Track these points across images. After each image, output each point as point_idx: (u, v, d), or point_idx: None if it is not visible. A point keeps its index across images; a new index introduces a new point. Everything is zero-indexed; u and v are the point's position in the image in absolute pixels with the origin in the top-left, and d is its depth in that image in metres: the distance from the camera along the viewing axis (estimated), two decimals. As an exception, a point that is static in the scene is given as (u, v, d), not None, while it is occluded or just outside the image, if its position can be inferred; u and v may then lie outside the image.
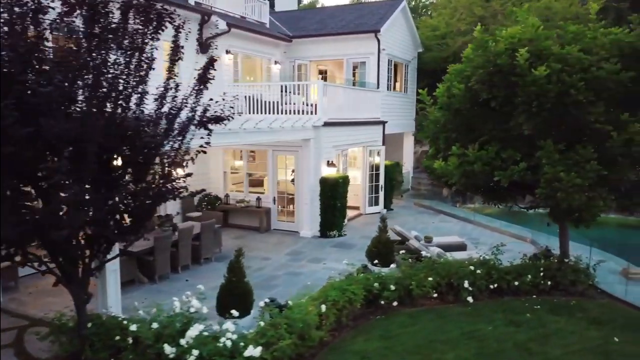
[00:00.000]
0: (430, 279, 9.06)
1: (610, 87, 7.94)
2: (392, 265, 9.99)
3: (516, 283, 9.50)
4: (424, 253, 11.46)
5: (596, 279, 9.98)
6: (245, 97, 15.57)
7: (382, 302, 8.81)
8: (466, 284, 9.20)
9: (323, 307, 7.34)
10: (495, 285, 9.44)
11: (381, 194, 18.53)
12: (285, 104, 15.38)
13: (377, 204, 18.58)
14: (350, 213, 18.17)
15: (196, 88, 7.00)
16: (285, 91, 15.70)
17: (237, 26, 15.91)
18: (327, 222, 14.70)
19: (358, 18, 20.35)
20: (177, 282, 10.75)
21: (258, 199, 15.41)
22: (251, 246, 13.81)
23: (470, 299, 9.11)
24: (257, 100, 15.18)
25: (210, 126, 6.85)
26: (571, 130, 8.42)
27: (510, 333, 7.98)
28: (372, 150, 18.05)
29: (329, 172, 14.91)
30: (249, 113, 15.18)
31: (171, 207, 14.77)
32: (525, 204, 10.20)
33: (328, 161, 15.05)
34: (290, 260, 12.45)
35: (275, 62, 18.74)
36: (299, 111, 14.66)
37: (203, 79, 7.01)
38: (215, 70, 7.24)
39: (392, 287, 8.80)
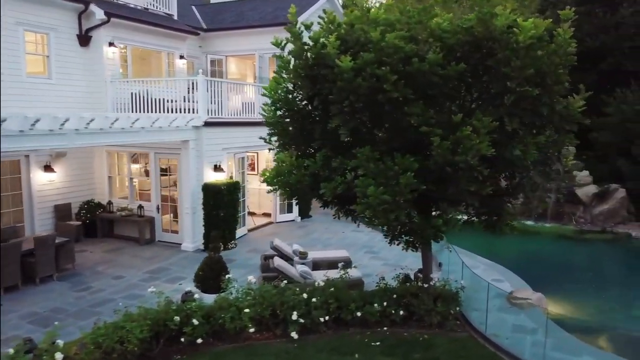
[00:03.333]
0: (247, 310, 7.60)
1: (437, 83, 6.49)
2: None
3: (359, 313, 8.05)
4: (294, 272, 10.09)
5: (458, 308, 8.53)
6: (132, 94, 14.16)
7: (183, 340, 7.34)
8: (294, 316, 7.75)
9: (58, 355, 5.86)
10: (329, 317, 7.98)
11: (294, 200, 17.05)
12: (188, 101, 13.95)
13: (290, 211, 17.15)
14: (261, 221, 16.78)
15: None
16: (195, 88, 14.16)
17: (121, 16, 14.40)
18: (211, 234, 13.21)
19: (277, 10, 18.86)
20: (-13, 307, 9.26)
21: (140, 207, 13.94)
22: (117, 261, 12.36)
23: (294, 334, 7.65)
24: (143, 98, 13.78)
25: None
26: (397, 135, 6.97)
27: (316, 382, 6.55)
28: (284, 153, 16.58)
29: (217, 178, 13.45)
30: (134, 112, 13.79)
31: (40, 216, 13.33)
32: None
33: (215, 165, 13.60)
34: (144, 280, 10.98)
35: (181, 57, 17.24)
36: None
37: None
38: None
39: (196, 322, 7.34)
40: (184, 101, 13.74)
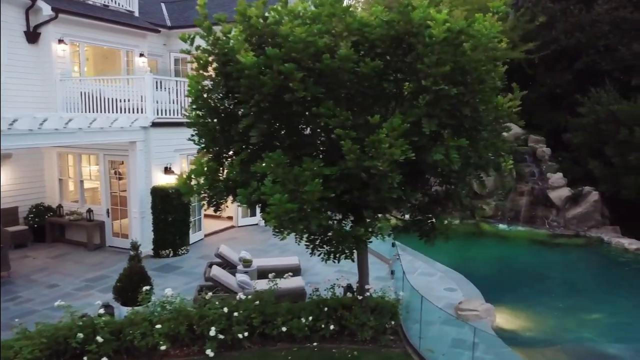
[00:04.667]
0: (158, 326, 7.06)
1: (352, 81, 5.95)
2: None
3: (284, 328, 7.51)
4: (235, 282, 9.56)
5: (394, 322, 7.97)
6: (82, 93, 13.62)
7: (87, 359, 6.79)
8: (212, 332, 7.21)
9: None
10: (253, 332, 7.44)
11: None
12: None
13: (254, 214, 16.58)
14: (225, 224, 16.20)
15: None
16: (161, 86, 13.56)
17: (71, 12, 13.83)
18: (160, 240, 12.69)
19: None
20: None
21: (89, 210, 13.39)
22: (58, 268, 11.81)
23: (210, 351, 7.10)
24: (95, 97, 13.24)
25: None
26: (324, 138, 6.43)
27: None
28: (246, 155, 16.03)
29: (168, 181, 12.91)
30: (86, 112, 13.25)
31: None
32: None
33: (166, 167, 13.06)
34: (79, 289, 10.45)
35: (141, 55, 16.67)
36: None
37: None
38: None
39: (100, 339, 6.79)
40: (142, 101, 13.20)
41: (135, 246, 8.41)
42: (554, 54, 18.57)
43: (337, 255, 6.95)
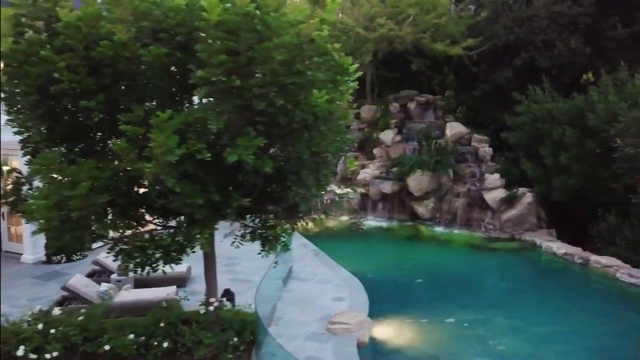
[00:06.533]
0: (-48, 345, 6.37)
1: (134, 71, 5.26)
2: None
3: (107, 347, 6.82)
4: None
5: (236, 338, 7.25)
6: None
7: None
8: (21, 351, 6.51)
9: None
10: (56, 353, 6.71)
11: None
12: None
13: (176, 217, 15.85)
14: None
15: None
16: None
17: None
18: (54, 245, 11.92)
19: None
20: None
21: (-18, 214, 12.68)
22: None
23: (13, 374, 6.42)
24: None
25: None
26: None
27: None
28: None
29: (64, 182, 12.19)
30: None
31: None
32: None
33: (61, 169, 12.33)
34: (-61, 299, 9.71)
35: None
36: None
37: None
38: None
39: None
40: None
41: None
42: (496, 50, 17.92)
43: (148, 267, 6.23)
